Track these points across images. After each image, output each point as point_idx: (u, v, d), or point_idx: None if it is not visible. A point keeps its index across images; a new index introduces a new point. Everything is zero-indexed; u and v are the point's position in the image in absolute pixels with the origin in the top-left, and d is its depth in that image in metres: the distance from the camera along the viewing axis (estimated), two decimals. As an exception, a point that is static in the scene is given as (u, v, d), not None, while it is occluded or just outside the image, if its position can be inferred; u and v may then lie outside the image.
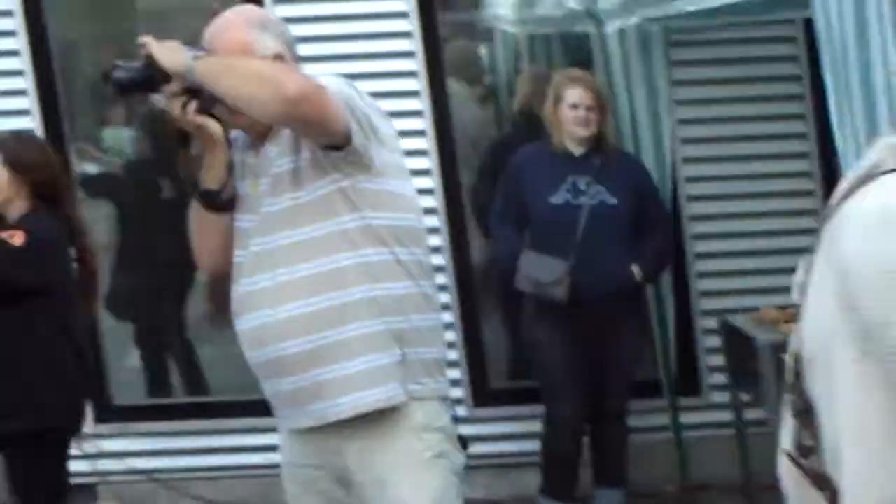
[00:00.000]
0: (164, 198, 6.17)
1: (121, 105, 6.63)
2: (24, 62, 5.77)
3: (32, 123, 5.72)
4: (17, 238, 4.00)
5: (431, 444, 2.97)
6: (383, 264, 2.92)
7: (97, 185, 6.40)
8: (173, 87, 2.86)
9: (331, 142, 2.84)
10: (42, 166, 4.22)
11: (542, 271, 4.91)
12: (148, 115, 6.38)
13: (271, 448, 5.30)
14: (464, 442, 3.07)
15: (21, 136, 4.65)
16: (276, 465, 3.28)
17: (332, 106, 2.78)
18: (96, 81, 6.76)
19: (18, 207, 4.15)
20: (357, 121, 2.83)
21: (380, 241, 2.92)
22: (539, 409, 5.19)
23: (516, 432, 5.63)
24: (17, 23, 5.75)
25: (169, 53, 2.85)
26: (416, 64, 5.60)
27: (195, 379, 6.28)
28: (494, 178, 5.39)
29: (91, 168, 6.42)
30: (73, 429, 4.27)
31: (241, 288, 3.00)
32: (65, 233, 4.20)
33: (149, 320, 6.45)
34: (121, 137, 6.72)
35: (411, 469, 2.96)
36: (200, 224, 3.12)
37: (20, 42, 5.75)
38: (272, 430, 3.16)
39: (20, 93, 5.79)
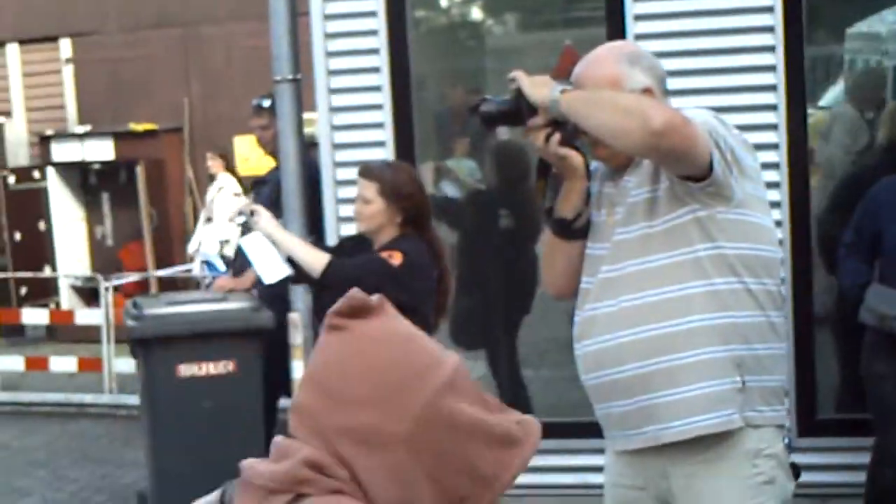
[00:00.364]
0: (501, 227, 6.61)
1: (465, 137, 7.17)
2: (384, 97, 6.32)
3: (387, 154, 6.24)
4: (396, 258, 4.46)
5: (763, 470, 3.05)
6: (732, 293, 3.02)
7: (442, 212, 6.90)
8: (538, 119, 3.01)
9: (692, 173, 2.94)
10: (413, 194, 4.64)
11: (888, 305, 4.94)
12: (492, 147, 6.88)
13: (584, 469, 5.64)
14: (796, 470, 3.14)
15: (394, 166, 5.04)
16: (590, 486, 3.44)
17: (696, 138, 2.87)
18: (441, 113, 7.35)
19: (389, 233, 4.61)
20: (720, 153, 2.93)
21: (731, 271, 3.02)
22: (863, 441, 5.27)
23: (839, 463, 5.71)
24: (381, 60, 6.31)
25: (537, 87, 3.01)
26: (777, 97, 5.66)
27: (521, 401, 6.61)
28: (847, 208, 5.40)
29: (436, 195, 6.92)
30: None
31: (584, 313, 3.15)
32: (430, 255, 4.62)
33: (483, 345, 6.84)
34: (464, 168, 7.17)
35: (739, 494, 3.05)
36: (551, 250, 3.32)
37: (383, 78, 6.31)
38: (586, 451, 3.36)
39: (377, 125, 6.35)
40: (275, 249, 4.69)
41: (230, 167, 11.26)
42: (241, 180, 10.97)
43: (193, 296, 7.06)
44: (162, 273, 11.00)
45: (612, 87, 3.06)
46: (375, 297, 1.55)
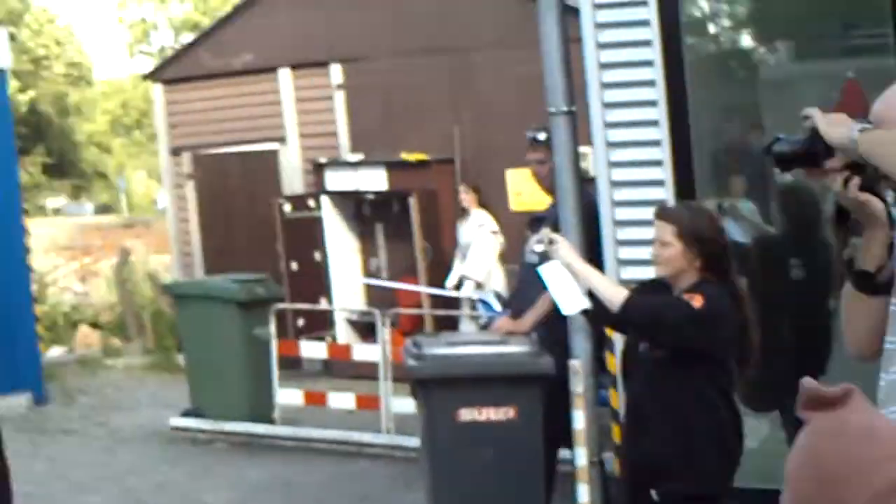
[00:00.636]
0: (792, 277, 6.36)
1: (741, 175, 6.95)
2: (661, 132, 6.24)
3: (666, 194, 6.16)
4: (697, 301, 4.42)
5: None
6: None
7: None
8: (835, 161, 2.86)
9: None
10: (714, 238, 4.59)
11: None
12: (777, 189, 6.64)
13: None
14: None
15: (693, 207, 5.00)
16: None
17: None
18: (717, 150, 7.15)
19: (689, 278, 4.56)
20: None
21: None
22: None
23: None
24: (658, 93, 6.24)
25: (834, 126, 2.85)
26: None
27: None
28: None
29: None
30: (725, 494, 4.60)
31: (889, 376, 2.98)
32: (732, 303, 4.54)
33: (774, 407, 6.60)
34: (744, 210, 7.00)
35: None
36: (851, 305, 3.14)
37: (660, 112, 6.23)
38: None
39: (656, 163, 6.28)
40: (574, 280, 4.71)
41: (483, 202, 11.33)
42: (496, 216, 11.02)
43: (472, 337, 7.18)
44: (440, 312, 11.14)
45: None
46: (839, 388, 1.54)
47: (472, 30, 12.68)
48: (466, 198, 11.38)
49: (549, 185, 6.71)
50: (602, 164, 6.40)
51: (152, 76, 15.79)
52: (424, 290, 11.54)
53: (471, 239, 11.25)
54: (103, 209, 45.78)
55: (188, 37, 52.04)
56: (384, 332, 9.61)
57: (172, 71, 15.34)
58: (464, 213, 11.49)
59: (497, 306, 9.46)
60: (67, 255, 27.42)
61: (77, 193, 50.47)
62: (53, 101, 52.17)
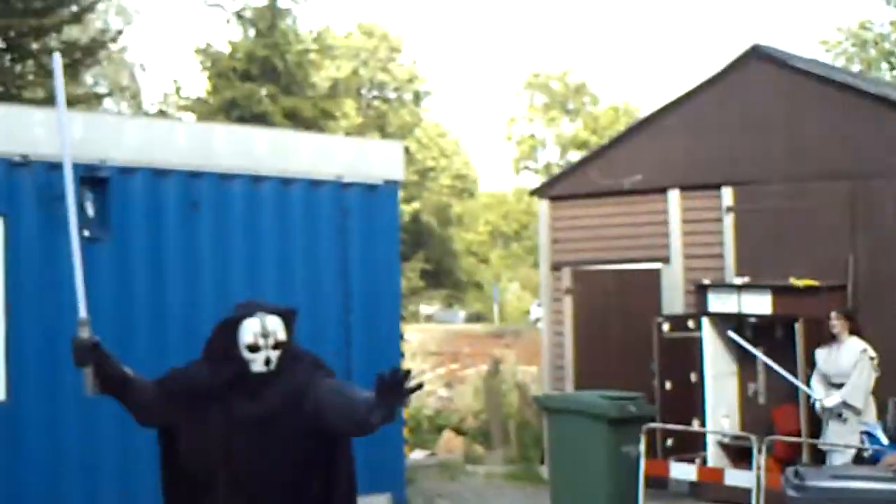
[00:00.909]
0: None
1: None
2: None
3: None
4: None
5: None
6: None
7: None
8: None
9: None
10: None
11: None
12: None
13: None
14: None
15: None
16: None
17: None
18: None
19: None
20: None
21: None
22: None
23: None
24: None
25: None
26: None
27: None
28: None
29: None
30: None
31: None
32: None
33: None
34: None
35: None
36: None
37: None
38: None
39: None
40: None
41: (854, 330, 11.04)
42: (874, 345, 10.71)
43: (859, 471, 6.96)
44: (819, 442, 10.87)
45: None
46: None
47: (872, 155, 12.45)
48: (838, 324, 11.13)
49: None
50: None
51: (539, 192, 16.29)
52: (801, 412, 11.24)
53: (844, 366, 10.95)
54: (475, 318, 47.18)
55: (575, 154, 53.59)
56: (759, 459, 9.44)
57: (560, 188, 15.81)
58: (833, 339, 11.20)
59: (884, 439, 9.15)
60: (435, 360, 28.44)
61: (449, 301, 52.34)
62: (436, 211, 54.61)
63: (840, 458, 10.23)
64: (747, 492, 9.36)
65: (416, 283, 47.55)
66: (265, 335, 4.41)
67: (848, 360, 11.03)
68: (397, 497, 12.10)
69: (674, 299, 14.18)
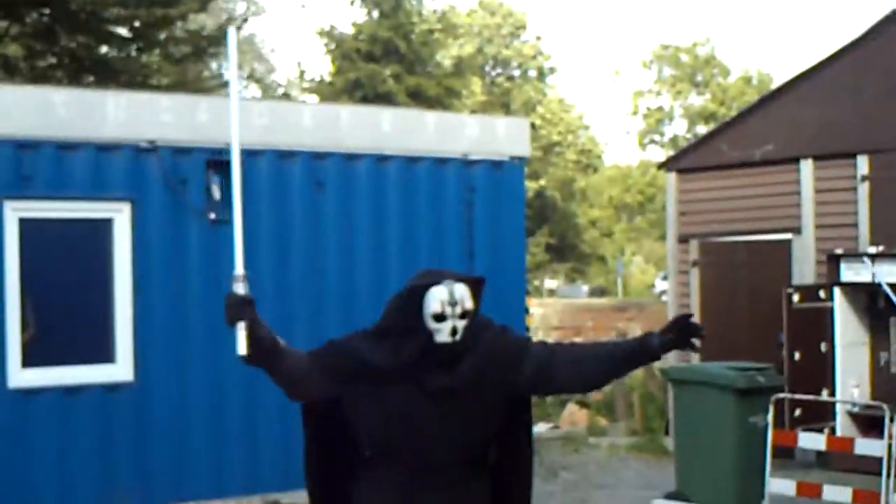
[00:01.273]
0: None
1: None
2: None
3: None
4: None
5: None
6: None
7: None
8: None
9: None
10: None
11: None
12: None
13: None
14: None
15: None
16: None
17: None
18: None
19: None
20: None
21: None
22: None
23: None
24: None
25: None
26: None
27: None
28: None
29: None
30: None
31: None
32: None
33: None
34: None
35: None
36: None
37: None
38: None
39: None
40: None
41: None
42: None
43: None
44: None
45: None
46: None
47: None
48: None
49: None
50: None
51: (667, 165, 16.34)
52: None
53: None
54: (598, 291, 47.20)
55: (702, 127, 53.14)
56: (891, 428, 9.46)
57: (688, 160, 15.84)
58: None
59: None
60: (557, 334, 28.56)
61: (573, 275, 52.40)
62: (560, 186, 54.62)
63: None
64: (876, 461, 9.37)
65: (540, 257, 47.69)
66: (453, 303, 4.23)
67: None
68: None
69: (804, 270, 14.17)
